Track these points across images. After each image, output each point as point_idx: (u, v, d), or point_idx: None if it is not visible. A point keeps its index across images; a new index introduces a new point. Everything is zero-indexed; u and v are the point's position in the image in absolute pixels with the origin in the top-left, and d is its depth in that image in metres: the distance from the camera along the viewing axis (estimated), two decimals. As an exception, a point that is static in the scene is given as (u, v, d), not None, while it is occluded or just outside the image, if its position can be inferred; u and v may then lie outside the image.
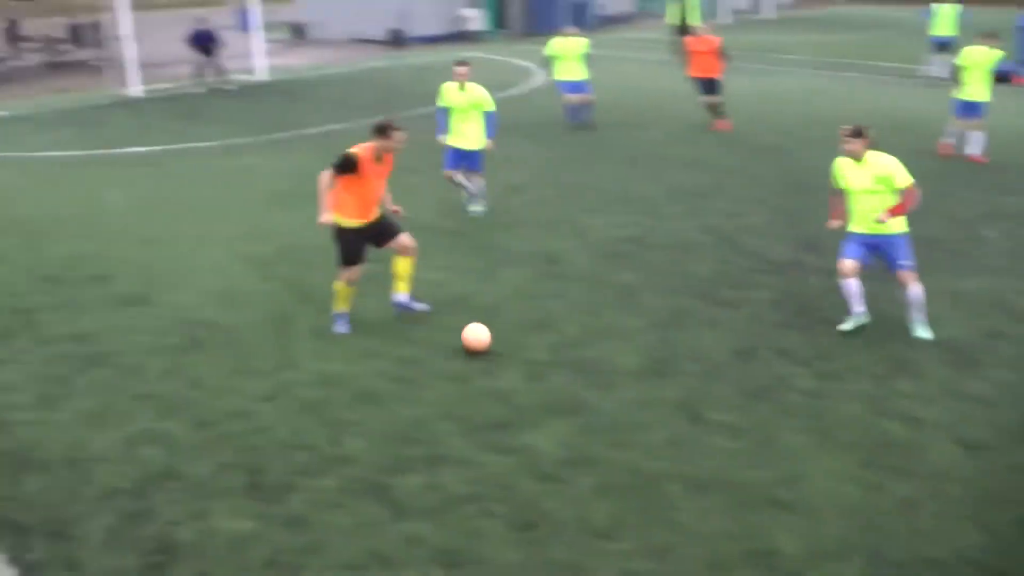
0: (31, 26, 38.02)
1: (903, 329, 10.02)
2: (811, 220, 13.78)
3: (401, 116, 11.58)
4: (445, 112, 14.31)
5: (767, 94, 24.47)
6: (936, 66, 27.00)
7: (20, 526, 7.08)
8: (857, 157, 9.93)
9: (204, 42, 27.27)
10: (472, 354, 9.69)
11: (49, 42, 36.63)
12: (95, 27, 37.13)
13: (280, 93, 26.94)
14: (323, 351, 9.86)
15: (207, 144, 19.98)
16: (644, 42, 37.74)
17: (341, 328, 10.27)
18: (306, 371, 9.42)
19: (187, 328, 10.54)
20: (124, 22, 27.04)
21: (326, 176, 9.69)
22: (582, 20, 42.69)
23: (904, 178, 9.79)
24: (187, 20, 28.88)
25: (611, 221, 14.00)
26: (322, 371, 9.42)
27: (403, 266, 10.47)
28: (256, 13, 30.11)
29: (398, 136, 10.03)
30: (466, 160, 14.25)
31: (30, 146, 20.43)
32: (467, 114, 14.11)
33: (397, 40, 39.37)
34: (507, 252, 12.76)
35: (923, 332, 9.96)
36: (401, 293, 10.54)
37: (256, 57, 30.09)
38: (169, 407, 8.78)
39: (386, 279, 10.63)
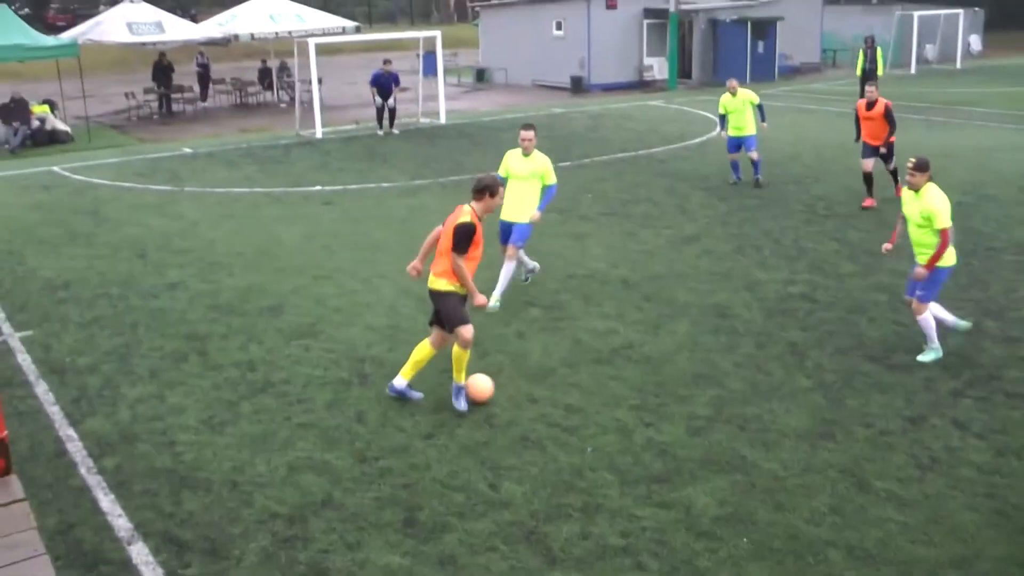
0: (222, 69, 39.75)
1: (1091, 403, 9.48)
2: (992, 283, 13.25)
3: (577, 160, 11.53)
4: (504, 182, 11.94)
5: (950, 149, 23.63)
6: None
7: (179, 542, 7.30)
8: (916, 188, 10.38)
9: (385, 86, 27.85)
10: (476, 403, 9.57)
11: (238, 85, 38.20)
12: (282, 69, 38.59)
13: (459, 136, 27.40)
14: (485, 393, 9.88)
15: (385, 184, 20.43)
16: (828, 93, 37.05)
17: (415, 396, 9.78)
18: (468, 412, 9.44)
19: (354, 363, 10.73)
20: (311, 66, 27.94)
21: (457, 259, 9.15)
22: (768, 71, 42.46)
23: (943, 221, 10.18)
24: (371, 64, 29.66)
25: (783, 277, 13.69)
26: (484, 413, 9.42)
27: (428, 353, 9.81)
28: (439, 58, 30.74)
29: (501, 194, 9.69)
30: (509, 233, 12.66)
31: (212, 181, 21.25)
32: (526, 184, 12.68)
33: (578, 87, 39.67)
34: (676, 304, 12.59)
35: (922, 357, 10.57)
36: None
37: (438, 101, 30.70)
38: (331, 438, 8.93)
39: (550, 325, 10.60)
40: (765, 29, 43.03)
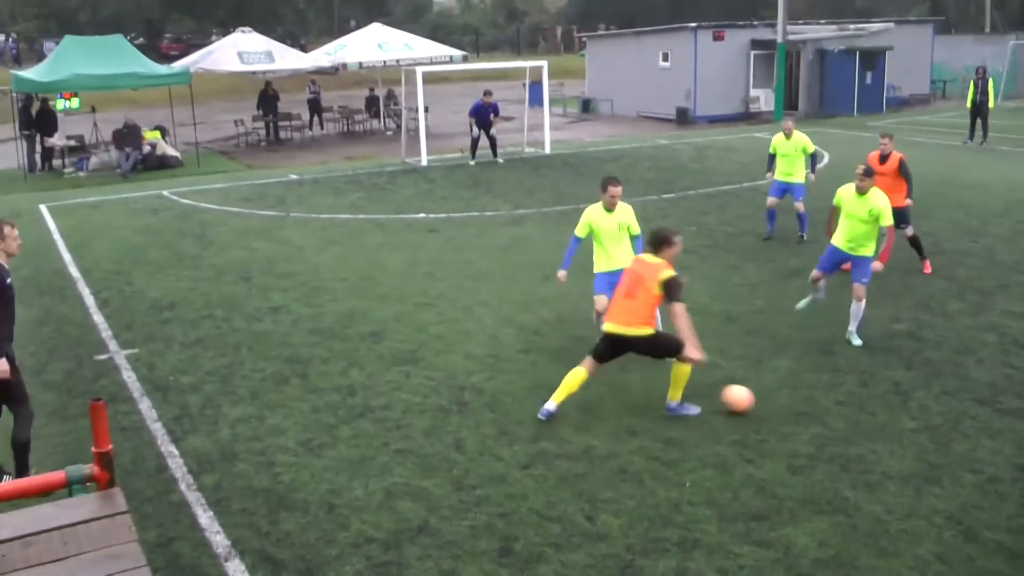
0: (330, 98, 40.42)
1: None
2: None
3: (681, 195, 11.45)
4: (586, 240, 12.12)
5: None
6: None
7: (275, 561, 7.41)
8: (864, 192, 12.14)
9: (484, 116, 27.91)
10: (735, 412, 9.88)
11: (346, 113, 38.81)
12: (389, 98, 39.12)
13: (564, 166, 27.47)
14: (585, 424, 9.85)
15: (488, 213, 20.55)
16: (937, 126, 36.37)
17: (693, 410, 10.14)
18: (567, 443, 9.43)
19: (453, 390, 10.80)
20: (418, 94, 28.27)
21: (682, 309, 9.64)
22: (876, 102, 41.90)
23: (888, 219, 12.02)
24: (476, 93, 29.89)
25: (888, 314, 13.42)
26: (583, 445, 9.40)
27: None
28: (545, 88, 30.89)
29: (679, 241, 10.07)
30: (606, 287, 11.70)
31: (318, 208, 21.59)
32: (616, 238, 12.03)
33: (683, 118, 39.56)
34: (780, 339, 12.43)
35: (855, 340, 12.17)
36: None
37: (543, 131, 30.83)
38: (429, 465, 8.98)
39: (651, 359, 10.49)
40: (874, 59, 42.43)
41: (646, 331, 9.86)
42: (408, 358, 11.85)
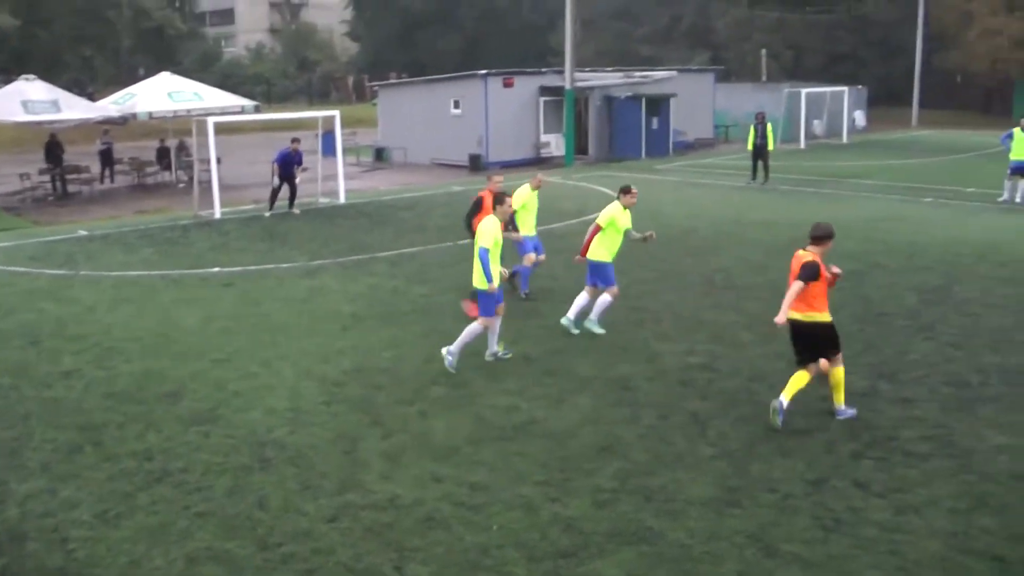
0: (121, 149, 39.28)
1: (984, 463, 9.73)
2: (884, 348, 13.61)
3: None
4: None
5: (840, 220, 24.19)
6: (1010, 191, 27.12)
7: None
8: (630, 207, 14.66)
9: (290, 164, 27.28)
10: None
11: (137, 165, 37.79)
12: (181, 149, 38.30)
13: (359, 216, 27.36)
14: (389, 473, 9.78)
15: (284, 265, 20.28)
16: (722, 168, 37.86)
17: (850, 413, 11.06)
18: (371, 493, 9.33)
19: (255, 447, 10.55)
20: (210, 145, 27.76)
21: (798, 285, 10.73)
22: (663, 147, 43.34)
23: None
24: (270, 143, 29.54)
25: (683, 348, 13.85)
26: (388, 494, 9.32)
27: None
28: (338, 137, 30.78)
29: (829, 242, 11.07)
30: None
31: (109, 264, 20.88)
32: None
33: (476, 165, 39.99)
34: (578, 377, 12.64)
35: (596, 329, 14.43)
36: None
37: (337, 180, 30.66)
38: (232, 526, 8.73)
39: (453, 403, 10.52)
40: (659, 106, 43.92)
41: (814, 316, 10.87)
42: (207, 417, 11.53)
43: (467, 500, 9.16)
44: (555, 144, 42.55)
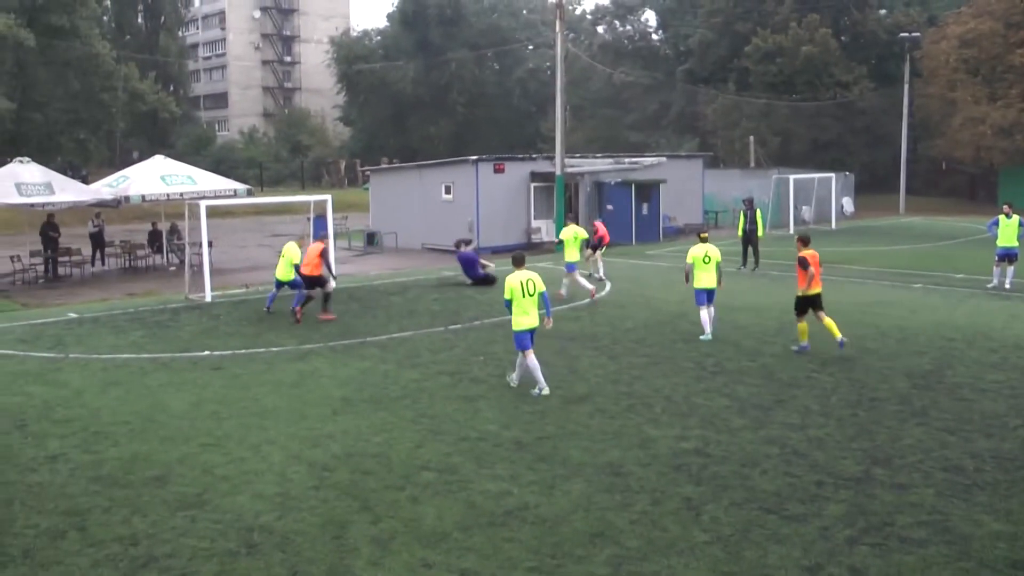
0: (113, 231, 39.31)
1: (982, 550, 9.63)
2: (880, 432, 13.53)
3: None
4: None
5: (831, 305, 24.26)
6: (998, 277, 27.30)
7: None
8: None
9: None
10: None
11: (128, 248, 37.85)
12: (172, 232, 38.40)
13: (350, 300, 27.32)
14: (379, 560, 9.63)
15: (275, 349, 20.20)
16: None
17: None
18: (361, 581, 9.19)
19: (242, 532, 10.40)
20: (202, 228, 27.81)
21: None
22: (653, 232, 43.65)
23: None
24: (261, 227, 29.59)
25: (676, 433, 13.77)
26: (376, 581, 9.18)
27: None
28: (330, 222, 30.86)
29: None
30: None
31: (98, 347, 20.79)
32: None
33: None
34: (570, 463, 12.53)
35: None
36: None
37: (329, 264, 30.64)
38: (218, 615, 8.57)
39: (443, 489, 10.40)
40: (648, 192, 44.27)
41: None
42: (194, 502, 11.38)
43: (457, 587, 9.02)
44: (546, 230, 42.76)
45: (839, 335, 18.52)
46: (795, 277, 19.13)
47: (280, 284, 24.79)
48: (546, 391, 15.77)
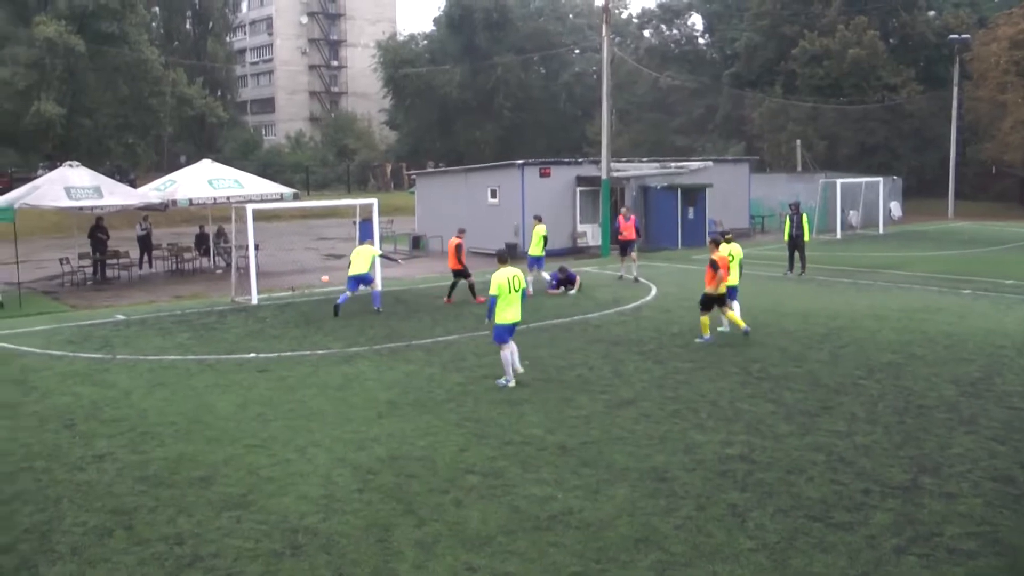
0: (160, 235, 39.65)
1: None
2: (928, 440, 13.36)
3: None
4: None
5: (878, 310, 24.11)
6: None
7: None
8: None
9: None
10: None
11: (175, 251, 38.17)
12: (219, 235, 38.67)
13: (395, 303, 27.42)
14: (423, 563, 9.65)
15: (320, 351, 20.30)
16: (757, 258, 37.77)
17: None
18: (406, 585, 9.20)
19: (286, 534, 10.45)
20: (248, 231, 28.01)
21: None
22: (699, 237, 43.41)
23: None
24: (307, 231, 29.75)
25: (721, 439, 13.69)
26: (420, 584, 9.19)
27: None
28: (375, 225, 30.96)
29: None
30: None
31: (145, 349, 20.98)
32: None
33: (512, 254, 40.04)
34: (614, 468, 12.49)
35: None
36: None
37: (375, 267, 30.75)
38: (262, 616, 8.61)
39: (487, 493, 10.39)
40: (695, 196, 44.07)
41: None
42: (239, 502, 11.46)
43: (501, 592, 9.01)
44: (591, 234, 42.66)
45: (743, 324, 20.83)
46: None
47: (356, 282, 25.67)
48: (512, 384, 16.74)
